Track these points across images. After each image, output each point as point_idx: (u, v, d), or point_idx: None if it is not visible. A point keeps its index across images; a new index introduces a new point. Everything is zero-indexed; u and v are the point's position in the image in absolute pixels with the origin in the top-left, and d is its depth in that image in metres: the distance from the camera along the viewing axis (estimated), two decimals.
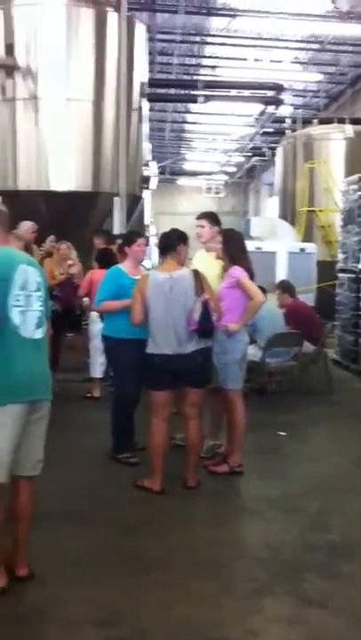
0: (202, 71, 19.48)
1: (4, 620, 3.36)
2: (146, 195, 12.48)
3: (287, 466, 5.95)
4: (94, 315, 7.55)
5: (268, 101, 18.29)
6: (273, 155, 21.30)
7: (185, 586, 3.77)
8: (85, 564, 3.95)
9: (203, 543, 4.34)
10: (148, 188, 12.16)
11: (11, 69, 10.16)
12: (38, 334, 3.60)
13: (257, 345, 7.89)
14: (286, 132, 19.15)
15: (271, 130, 22.63)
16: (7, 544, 3.61)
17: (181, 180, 33.07)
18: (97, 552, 4.12)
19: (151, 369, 5.11)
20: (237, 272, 5.49)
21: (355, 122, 16.52)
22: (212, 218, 6.06)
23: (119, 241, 7.11)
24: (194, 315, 4.98)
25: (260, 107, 20.11)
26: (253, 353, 7.42)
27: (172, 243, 5.21)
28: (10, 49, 10.19)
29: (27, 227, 7.68)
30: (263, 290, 5.92)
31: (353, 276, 10.37)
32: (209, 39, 17.30)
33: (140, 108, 11.41)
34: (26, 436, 3.55)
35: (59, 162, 10.23)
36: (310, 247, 12.79)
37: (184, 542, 4.32)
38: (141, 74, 11.47)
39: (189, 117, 24.59)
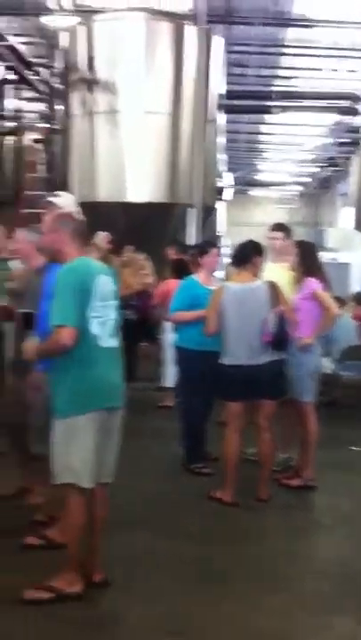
0: (277, 82, 19.43)
1: (80, 625, 3.43)
2: (219, 205, 12.54)
3: (360, 481, 5.87)
4: (168, 324, 7.63)
5: (343, 111, 18.13)
6: (348, 165, 21.07)
7: (257, 598, 3.77)
8: (158, 572, 4.00)
9: (275, 556, 4.34)
10: (221, 199, 12.23)
11: (91, 84, 10.42)
12: (114, 343, 3.67)
13: (331, 357, 7.83)
14: None
15: (347, 140, 22.38)
16: (84, 550, 3.68)
17: (254, 191, 32.99)
18: (169, 561, 4.16)
19: (225, 379, 5.14)
20: (313, 284, 5.48)
21: None
22: (286, 229, 6.07)
23: (192, 251, 7.17)
24: (268, 326, 5.00)
25: (336, 117, 19.94)
26: (327, 365, 7.36)
27: (248, 254, 5.25)
28: (90, 63, 10.45)
29: (102, 237, 7.85)
30: (341, 301, 5.88)
31: None
32: (284, 50, 17.27)
33: (216, 120, 11.50)
34: (102, 443, 3.62)
35: (136, 173, 10.40)
36: None
37: (256, 554, 4.33)
38: (218, 86, 11.57)
39: (263, 128, 24.56)
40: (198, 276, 5.97)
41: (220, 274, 8.70)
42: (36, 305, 4.12)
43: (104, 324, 3.59)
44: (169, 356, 7.65)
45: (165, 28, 10.61)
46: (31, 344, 3.76)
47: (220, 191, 12.12)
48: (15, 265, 5.52)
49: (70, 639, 3.34)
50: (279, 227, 6.13)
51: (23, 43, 13.19)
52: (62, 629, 3.39)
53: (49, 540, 4.08)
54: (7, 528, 4.26)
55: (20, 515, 4.43)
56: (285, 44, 16.83)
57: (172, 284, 7.08)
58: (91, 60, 10.51)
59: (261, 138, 26.37)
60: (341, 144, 23.40)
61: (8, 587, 3.62)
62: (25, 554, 4.05)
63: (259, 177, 31.68)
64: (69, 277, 3.54)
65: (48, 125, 12.90)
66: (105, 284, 3.64)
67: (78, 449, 3.52)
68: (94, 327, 3.54)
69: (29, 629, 3.37)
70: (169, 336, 7.52)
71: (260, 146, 27.87)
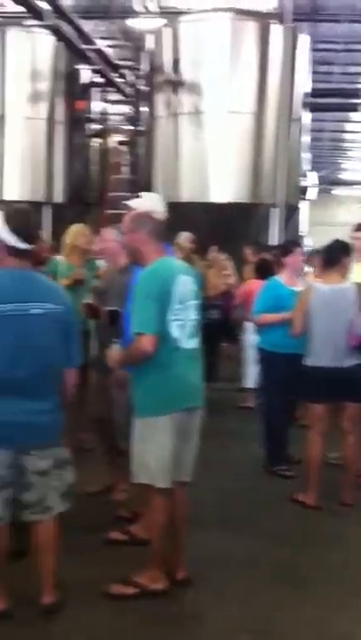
0: None
1: (163, 622, 3.47)
2: (302, 205, 12.42)
3: None
4: (249, 325, 7.60)
5: None
6: None
7: (342, 602, 3.72)
8: (238, 573, 3.99)
9: (358, 560, 4.26)
10: (305, 199, 12.11)
11: (176, 85, 10.51)
12: (194, 344, 3.66)
13: None
14: None
15: None
16: (167, 548, 3.70)
17: (337, 190, 32.50)
18: (249, 561, 4.15)
19: (308, 381, 5.08)
20: None
21: None
22: None
23: (275, 251, 7.11)
24: (356, 329, 4.91)
25: None
26: None
27: (336, 255, 5.17)
28: (176, 65, 10.54)
29: (184, 237, 7.90)
30: None
31: None
32: None
33: (300, 119, 11.40)
34: (180, 444, 3.61)
35: (219, 174, 10.42)
36: None
37: (339, 558, 4.26)
38: (303, 84, 11.46)
39: (348, 126, 24.17)
40: (282, 277, 5.90)
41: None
42: (119, 303, 4.18)
43: (183, 327, 3.58)
44: (250, 356, 7.61)
45: (251, 27, 10.59)
46: (114, 352, 3.80)
47: (303, 190, 11.99)
48: (101, 264, 5.63)
49: (152, 635, 3.38)
50: None
51: (109, 46, 13.41)
52: (145, 625, 3.43)
53: (132, 535, 4.14)
54: (92, 523, 4.33)
55: (106, 510, 4.52)
56: None
57: (255, 285, 7.04)
58: (176, 61, 10.59)
59: (346, 136, 25.97)
60: None
61: (92, 580, 3.69)
62: (109, 549, 4.12)
63: (343, 176, 31.18)
64: (149, 283, 3.54)
65: (133, 127, 13.08)
66: (185, 284, 3.62)
67: (155, 449, 3.54)
68: (174, 330, 3.54)
69: (113, 623, 3.42)
70: (250, 336, 7.49)
71: (345, 144, 27.44)
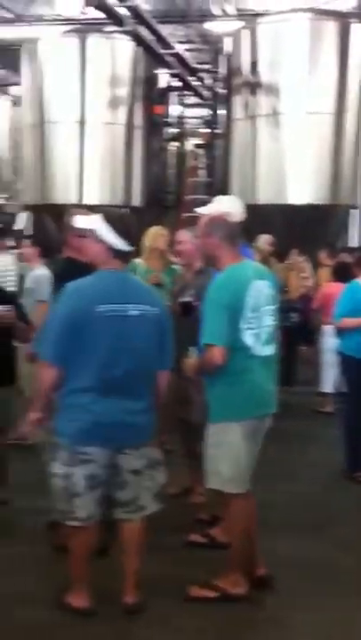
0: None
1: (243, 625, 3.49)
2: None
3: None
4: (327, 328, 7.50)
5: None
6: None
7: None
8: (317, 578, 3.95)
9: None
10: None
11: (254, 87, 10.48)
12: (269, 350, 3.61)
13: None
14: None
15: None
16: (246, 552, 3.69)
17: None
18: (329, 567, 4.09)
19: None
20: None
21: None
22: None
23: (358, 254, 7.01)
24: None
25: None
26: None
27: None
28: (254, 67, 10.51)
29: (264, 239, 7.87)
30: None
31: None
32: None
33: None
34: (251, 450, 3.61)
35: (297, 175, 10.34)
36: None
37: None
38: None
39: None
40: None
41: None
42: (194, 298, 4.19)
43: (258, 335, 3.54)
44: (328, 360, 7.51)
45: (330, 27, 10.47)
46: (191, 360, 3.79)
47: None
48: (179, 269, 5.66)
49: (233, 638, 3.40)
50: None
51: (187, 49, 13.48)
52: (225, 627, 3.44)
53: (212, 538, 4.15)
54: (173, 525, 4.34)
55: (186, 512, 4.54)
56: None
57: (333, 288, 6.95)
58: (254, 63, 10.57)
59: None
60: None
61: (172, 582, 3.73)
62: (188, 550, 4.15)
63: None
64: (220, 293, 3.51)
65: (210, 130, 13.12)
66: (259, 290, 3.57)
67: (227, 455, 3.54)
68: (247, 338, 3.50)
69: (193, 625, 3.43)
70: (329, 340, 7.39)
71: None
